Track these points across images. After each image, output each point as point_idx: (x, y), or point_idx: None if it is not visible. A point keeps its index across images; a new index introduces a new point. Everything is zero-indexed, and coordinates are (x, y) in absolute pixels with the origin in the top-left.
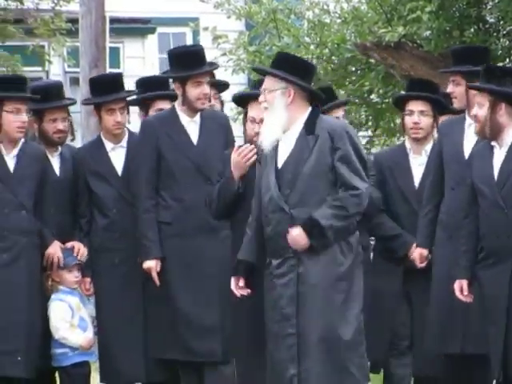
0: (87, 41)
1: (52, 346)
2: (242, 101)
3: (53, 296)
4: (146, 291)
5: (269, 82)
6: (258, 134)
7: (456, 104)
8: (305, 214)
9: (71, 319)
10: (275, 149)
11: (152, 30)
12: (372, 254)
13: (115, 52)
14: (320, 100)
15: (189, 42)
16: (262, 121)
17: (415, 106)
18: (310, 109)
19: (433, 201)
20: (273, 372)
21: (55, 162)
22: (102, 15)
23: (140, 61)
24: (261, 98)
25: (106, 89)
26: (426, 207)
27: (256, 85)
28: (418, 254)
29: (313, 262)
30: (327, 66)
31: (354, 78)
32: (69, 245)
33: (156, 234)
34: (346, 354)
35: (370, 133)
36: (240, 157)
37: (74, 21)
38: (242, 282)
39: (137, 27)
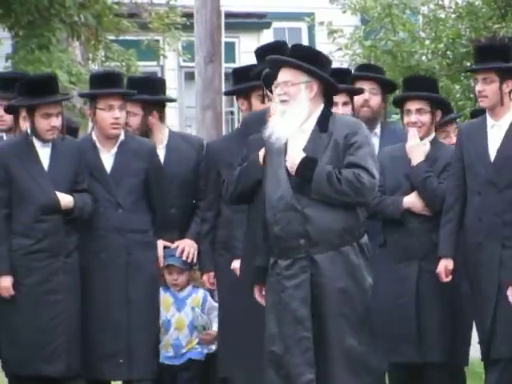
0: (202, 36)
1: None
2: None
3: None
4: None
5: (291, 74)
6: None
7: (485, 103)
8: (318, 213)
9: None
10: (283, 145)
11: (267, 25)
12: None
13: (230, 47)
14: (335, 94)
15: (304, 36)
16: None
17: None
18: (322, 105)
19: (455, 207)
20: (281, 376)
21: (160, 156)
22: (217, 10)
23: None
24: (279, 91)
25: (248, 77)
26: (447, 214)
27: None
28: (443, 266)
29: (326, 263)
30: (442, 61)
31: (469, 74)
32: (173, 246)
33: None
34: (363, 356)
35: None
36: None
37: (189, 15)
38: (263, 291)
39: (252, 22)
